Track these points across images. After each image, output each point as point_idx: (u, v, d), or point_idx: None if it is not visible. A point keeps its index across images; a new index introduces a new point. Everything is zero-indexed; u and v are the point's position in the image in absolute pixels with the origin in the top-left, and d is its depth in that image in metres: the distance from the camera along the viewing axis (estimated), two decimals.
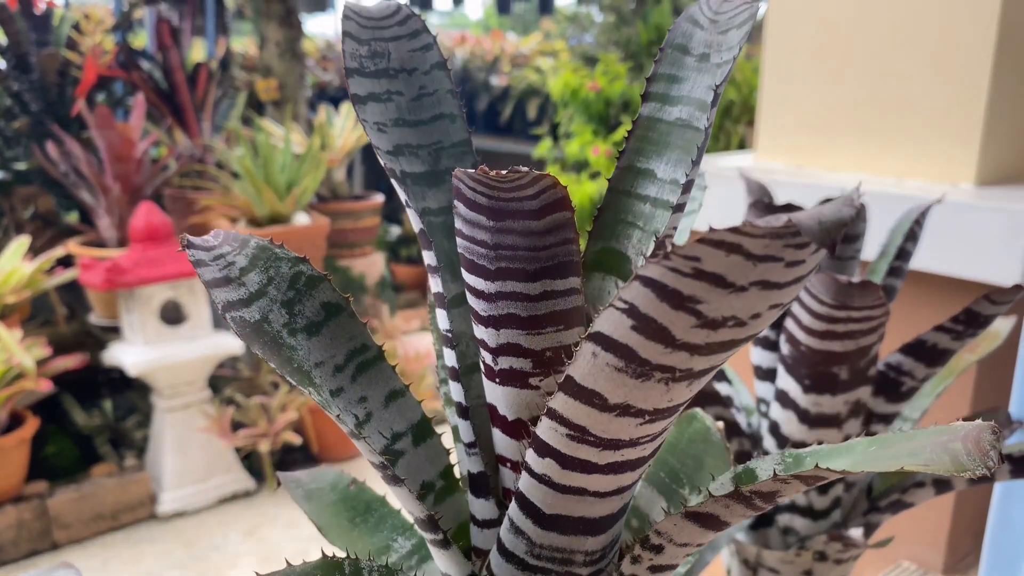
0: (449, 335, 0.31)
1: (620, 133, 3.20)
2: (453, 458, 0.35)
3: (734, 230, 0.17)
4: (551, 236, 0.24)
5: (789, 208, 0.72)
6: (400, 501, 0.30)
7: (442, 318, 0.31)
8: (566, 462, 0.25)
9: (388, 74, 0.32)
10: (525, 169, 0.22)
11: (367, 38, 0.32)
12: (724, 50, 0.30)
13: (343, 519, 0.40)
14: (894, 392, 0.74)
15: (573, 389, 0.22)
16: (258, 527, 2.68)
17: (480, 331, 0.27)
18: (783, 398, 0.76)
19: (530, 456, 0.26)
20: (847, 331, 0.65)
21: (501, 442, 0.30)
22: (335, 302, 0.32)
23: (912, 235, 0.77)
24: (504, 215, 0.23)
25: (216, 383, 2.96)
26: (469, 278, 0.26)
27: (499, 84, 4.61)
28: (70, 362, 2.56)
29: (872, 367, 0.69)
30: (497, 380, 0.28)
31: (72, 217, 2.80)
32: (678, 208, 0.30)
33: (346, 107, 3.20)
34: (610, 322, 0.20)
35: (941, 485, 0.74)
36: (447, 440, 0.35)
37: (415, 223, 0.31)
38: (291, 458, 3.16)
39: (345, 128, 3.06)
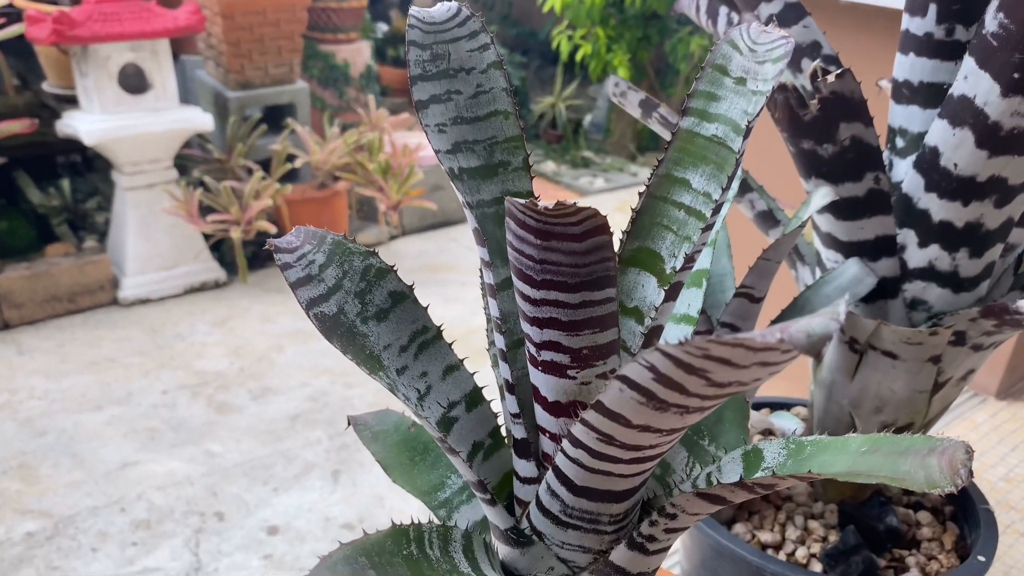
0: (499, 322, 0.33)
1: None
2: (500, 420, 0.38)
3: (736, 340, 0.21)
4: (591, 256, 0.26)
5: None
6: (455, 465, 0.34)
7: (493, 306, 0.34)
8: (595, 455, 0.29)
9: (448, 74, 0.34)
10: (572, 203, 0.24)
11: (429, 43, 0.34)
12: (760, 80, 0.32)
13: (404, 458, 0.43)
14: None
15: (603, 411, 0.26)
16: (228, 319, 2.51)
17: (526, 327, 0.30)
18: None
19: (566, 444, 0.29)
20: None
21: (542, 416, 0.33)
22: (400, 290, 0.35)
23: None
24: (550, 237, 0.26)
25: (184, 164, 2.69)
26: (517, 283, 0.28)
27: None
28: (17, 126, 2.27)
29: None
30: (540, 368, 0.31)
31: None
32: (708, 228, 0.33)
33: None
34: (635, 372, 0.23)
35: None
36: (495, 405, 0.38)
37: (471, 222, 0.33)
38: (265, 252, 2.95)
39: None
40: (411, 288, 0.36)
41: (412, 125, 3.56)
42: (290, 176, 2.84)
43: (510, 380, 0.35)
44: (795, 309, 0.63)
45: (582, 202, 0.24)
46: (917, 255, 0.60)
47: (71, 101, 2.52)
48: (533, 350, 0.31)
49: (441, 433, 0.32)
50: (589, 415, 0.26)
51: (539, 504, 0.34)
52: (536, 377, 0.32)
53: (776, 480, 0.29)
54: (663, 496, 0.38)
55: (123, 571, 1.56)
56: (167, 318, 2.49)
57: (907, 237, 0.60)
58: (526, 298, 0.29)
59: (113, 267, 2.53)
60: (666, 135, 0.71)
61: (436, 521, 0.40)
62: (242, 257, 2.59)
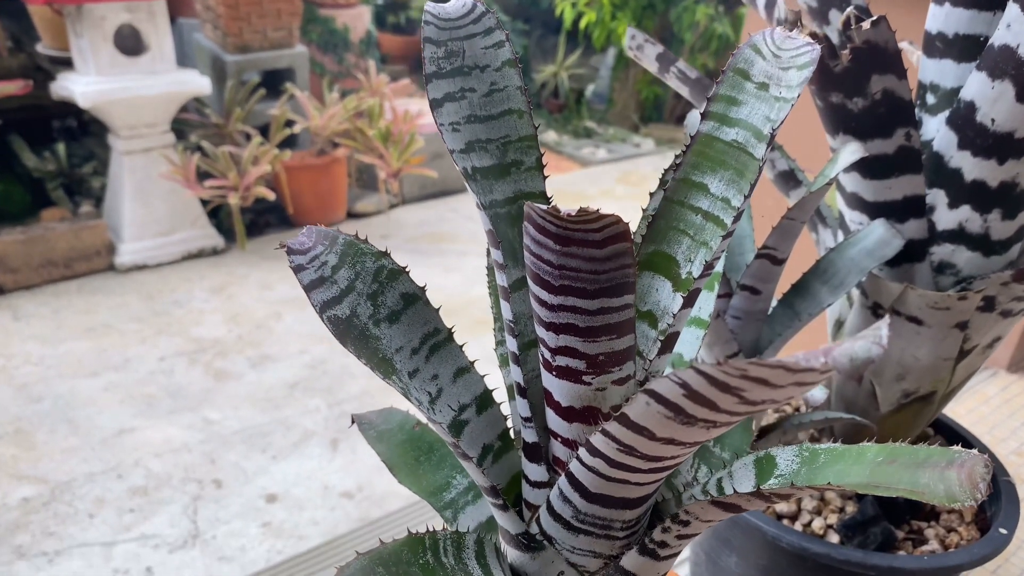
0: (512, 324, 0.33)
1: None
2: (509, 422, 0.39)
3: (777, 363, 0.20)
4: (611, 262, 0.26)
5: None
6: (468, 471, 0.35)
7: (506, 309, 0.33)
8: (613, 464, 0.29)
9: (462, 72, 0.34)
10: (594, 209, 0.23)
11: (444, 39, 0.33)
12: (783, 87, 0.32)
13: (409, 458, 0.43)
14: None
15: (626, 423, 0.26)
16: (226, 286, 2.48)
17: (541, 331, 0.29)
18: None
19: (583, 453, 0.29)
20: None
21: (554, 420, 0.33)
22: (412, 292, 0.35)
23: None
24: (570, 243, 0.25)
25: (181, 129, 2.65)
26: (534, 288, 0.28)
27: None
28: (11, 87, 2.23)
29: None
30: (554, 373, 0.31)
31: None
32: (728, 235, 0.32)
33: None
34: (665, 387, 0.23)
35: None
36: (503, 408, 0.39)
37: (485, 223, 0.33)
38: (264, 219, 2.92)
39: None
40: (423, 290, 0.35)
41: (413, 92, 3.51)
42: (289, 143, 2.81)
43: (522, 384, 0.34)
44: (818, 272, 0.61)
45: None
46: (947, 216, 0.58)
47: (66, 63, 2.47)
48: (548, 355, 0.30)
49: (454, 438, 0.31)
50: (612, 427, 0.26)
51: (550, 509, 0.33)
52: (550, 382, 0.32)
53: (794, 491, 0.29)
54: (672, 500, 0.38)
55: (120, 537, 1.54)
56: (164, 284, 2.46)
57: (936, 198, 0.58)
58: (543, 303, 0.28)
59: (110, 232, 2.50)
60: (683, 91, 0.68)
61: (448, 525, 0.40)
62: (240, 224, 2.56)
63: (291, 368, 2.11)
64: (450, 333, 0.36)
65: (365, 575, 0.32)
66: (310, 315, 2.34)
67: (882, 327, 0.22)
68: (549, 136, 4.40)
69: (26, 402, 1.94)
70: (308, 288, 0.32)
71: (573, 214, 0.24)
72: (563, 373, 0.30)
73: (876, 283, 0.61)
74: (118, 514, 1.60)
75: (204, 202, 2.56)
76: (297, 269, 0.32)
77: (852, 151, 0.54)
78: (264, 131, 2.70)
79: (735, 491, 0.31)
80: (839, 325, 0.66)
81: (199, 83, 2.41)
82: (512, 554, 0.37)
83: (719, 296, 0.59)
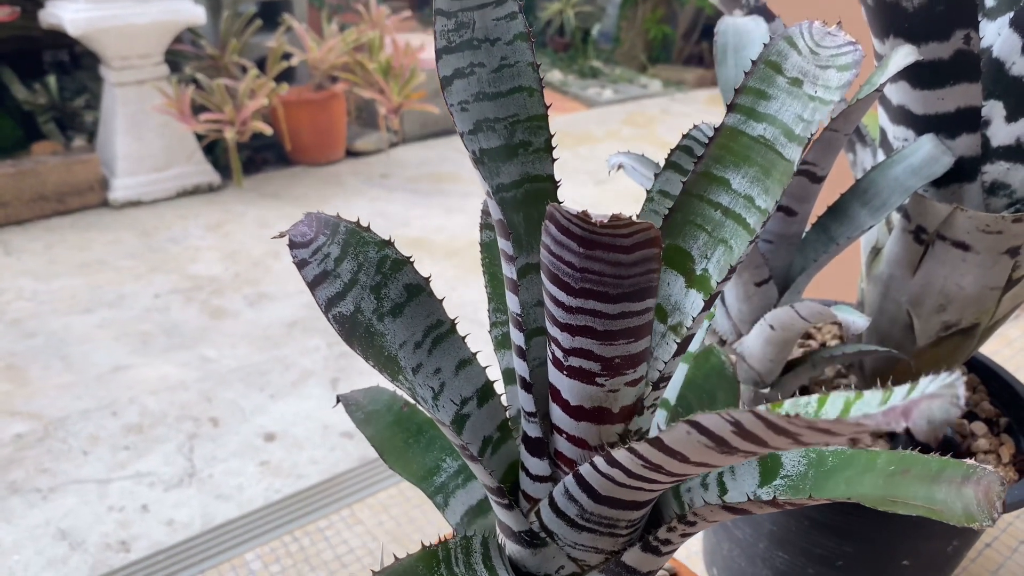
0: (519, 319, 0.32)
1: None
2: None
3: (852, 421, 0.19)
4: (637, 267, 0.25)
5: None
6: (475, 473, 0.34)
7: (513, 302, 0.32)
8: (633, 476, 0.28)
9: (472, 45, 0.32)
10: (626, 217, 0.23)
11: (455, 9, 0.32)
12: (820, 86, 0.30)
13: (398, 441, 0.42)
14: None
15: (660, 446, 0.24)
16: (223, 223, 2.42)
17: (554, 331, 0.29)
18: None
19: (599, 462, 0.28)
20: None
21: (560, 417, 0.32)
22: (416, 283, 0.34)
23: None
24: (595, 246, 0.24)
25: (175, 60, 2.57)
26: (550, 287, 0.27)
27: None
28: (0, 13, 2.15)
29: None
30: (564, 373, 0.30)
31: None
32: (755, 238, 0.31)
33: None
34: (712, 422, 0.22)
35: None
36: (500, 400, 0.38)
37: (495, 213, 0.32)
38: (260, 157, 2.85)
39: None
40: (427, 280, 0.34)
41: (414, 28, 3.41)
42: (286, 77, 2.73)
43: (527, 379, 0.33)
44: (857, 192, 0.56)
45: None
46: (1003, 131, 0.53)
47: None
48: (560, 354, 0.29)
49: (462, 441, 0.31)
50: (641, 447, 0.25)
51: (553, 505, 0.33)
52: (559, 380, 0.31)
53: (808, 501, 0.29)
54: (670, 494, 0.38)
55: (115, 475, 1.52)
56: (159, 221, 2.41)
57: (993, 110, 0.53)
58: (559, 304, 0.27)
59: (103, 167, 2.44)
60: (724, 9, 0.63)
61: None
62: (236, 160, 2.50)
63: (289, 307, 2.07)
64: (453, 324, 0.35)
65: None
66: None
67: (959, 385, 0.19)
68: (554, 75, 4.30)
69: (19, 337, 1.90)
70: (312, 285, 0.31)
71: (605, 220, 0.23)
72: (575, 374, 0.29)
73: (921, 204, 0.56)
74: (113, 451, 1.58)
75: (199, 137, 2.49)
76: (301, 264, 0.31)
77: (905, 54, 0.48)
78: (260, 64, 2.62)
79: (748, 497, 0.31)
80: (876, 252, 0.62)
81: (193, 12, 2.32)
82: (512, 548, 0.36)
83: None
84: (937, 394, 0.20)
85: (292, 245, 0.31)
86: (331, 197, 2.60)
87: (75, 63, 2.88)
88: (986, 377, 0.68)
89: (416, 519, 0.76)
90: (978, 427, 0.64)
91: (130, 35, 2.24)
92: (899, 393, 0.21)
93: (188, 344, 1.91)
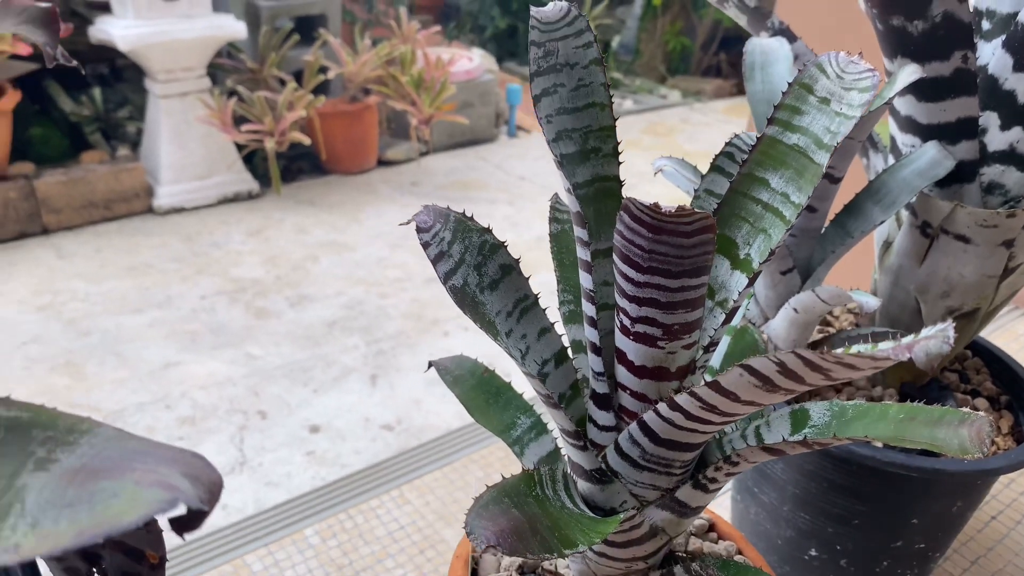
0: (592, 294, 0.37)
1: None
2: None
3: (869, 354, 0.25)
4: (696, 249, 0.30)
5: None
6: (554, 419, 0.40)
7: (587, 280, 0.38)
8: (691, 417, 0.33)
9: (555, 69, 0.39)
10: (689, 208, 0.27)
11: (544, 40, 0.38)
12: (844, 104, 0.36)
13: (480, 400, 0.49)
14: None
15: (716, 388, 0.30)
16: (263, 229, 2.53)
17: (623, 302, 0.34)
18: None
19: (662, 407, 0.34)
20: None
21: (625, 376, 0.38)
22: (508, 263, 0.40)
23: None
24: (662, 232, 0.29)
25: (216, 73, 2.68)
26: (621, 265, 0.32)
27: None
28: None
29: None
30: (631, 338, 0.35)
31: None
32: (790, 229, 0.37)
33: None
34: (760, 364, 0.28)
35: None
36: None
37: (572, 205, 0.37)
38: (296, 166, 2.95)
39: None
40: (517, 261, 0.41)
41: (441, 42, 3.51)
42: (321, 89, 2.83)
43: (597, 344, 0.39)
44: (870, 192, 0.64)
45: None
46: (998, 138, 0.60)
47: (102, 8, 2.50)
48: (627, 322, 0.35)
49: (548, 391, 0.37)
50: (700, 390, 0.31)
51: (618, 449, 0.38)
52: (625, 344, 0.36)
53: (833, 440, 0.34)
54: (714, 444, 0.44)
55: None
56: (202, 227, 2.51)
57: (989, 120, 0.60)
58: (629, 279, 0.33)
59: (147, 176, 2.55)
60: (741, 20, 0.71)
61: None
62: (275, 168, 2.60)
63: (329, 308, 2.16)
64: (536, 299, 0.41)
65: (496, 503, 0.37)
66: (346, 259, 2.39)
67: (948, 329, 0.25)
68: None
69: (75, 336, 2.01)
70: (435, 261, 0.37)
71: (672, 211, 0.28)
72: (640, 338, 0.35)
73: (926, 202, 0.64)
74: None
75: (239, 147, 2.60)
76: (425, 245, 0.37)
77: (910, 72, 0.56)
78: (298, 77, 2.72)
79: (784, 439, 0.36)
80: (887, 246, 0.70)
81: (235, 27, 2.43)
82: (582, 485, 0.42)
83: None
84: (933, 335, 0.27)
85: (419, 230, 0.38)
86: (365, 205, 2.70)
87: (116, 76, 2.99)
88: (989, 360, 0.75)
89: (460, 499, 0.82)
90: (980, 403, 0.72)
91: (176, 50, 2.34)
92: (905, 340, 0.28)
93: (234, 342, 2.00)
